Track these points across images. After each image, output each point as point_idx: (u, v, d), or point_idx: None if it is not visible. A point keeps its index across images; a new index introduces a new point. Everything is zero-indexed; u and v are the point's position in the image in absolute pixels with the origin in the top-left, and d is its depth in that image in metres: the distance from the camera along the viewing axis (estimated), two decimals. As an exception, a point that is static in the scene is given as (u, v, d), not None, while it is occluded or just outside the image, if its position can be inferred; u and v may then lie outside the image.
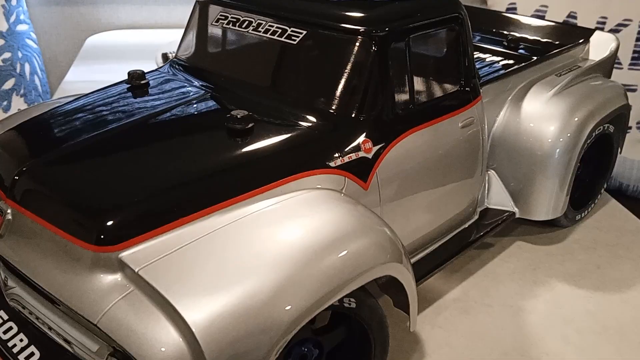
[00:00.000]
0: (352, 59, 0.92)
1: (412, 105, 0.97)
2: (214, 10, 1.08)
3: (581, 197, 1.33)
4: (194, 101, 0.97)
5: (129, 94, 1.02)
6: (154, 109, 0.94)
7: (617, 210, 1.39)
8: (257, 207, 0.80)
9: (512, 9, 2.52)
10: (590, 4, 2.41)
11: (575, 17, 2.40)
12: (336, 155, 0.89)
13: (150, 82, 1.05)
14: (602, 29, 2.41)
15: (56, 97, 1.94)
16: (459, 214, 1.12)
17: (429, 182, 1.01)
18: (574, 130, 1.18)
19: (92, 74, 2.04)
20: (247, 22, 1.02)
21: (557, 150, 1.17)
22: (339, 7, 0.96)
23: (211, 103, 0.97)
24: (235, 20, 1.04)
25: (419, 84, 0.98)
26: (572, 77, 1.27)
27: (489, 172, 1.21)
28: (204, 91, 1.00)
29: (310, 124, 0.91)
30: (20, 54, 2.30)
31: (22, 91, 2.28)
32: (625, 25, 2.37)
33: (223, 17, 1.06)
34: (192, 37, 1.12)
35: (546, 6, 2.45)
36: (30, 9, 2.46)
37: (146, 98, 1.01)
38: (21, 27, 2.35)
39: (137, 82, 1.03)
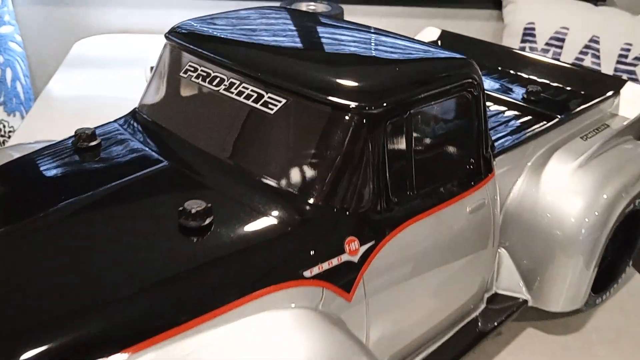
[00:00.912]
0: (338, 139, 0.74)
1: (411, 192, 0.80)
2: (185, 58, 0.91)
3: (602, 277, 1.15)
4: (147, 179, 0.79)
5: (75, 158, 0.84)
6: (99, 186, 0.77)
7: (644, 289, 1.21)
8: (202, 340, 0.62)
9: (529, 30, 2.32)
10: (615, 28, 2.21)
11: (597, 42, 2.21)
12: (313, 261, 0.71)
13: (103, 142, 0.87)
14: (625, 57, 2.22)
15: (39, 103, 1.78)
16: (464, 305, 0.95)
17: (429, 277, 0.84)
18: (603, 209, 1.00)
19: (76, 83, 1.87)
20: (218, 79, 0.84)
21: (582, 231, 0.99)
22: (328, 73, 0.78)
23: (166, 184, 0.79)
24: (205, 74, 0.86)
25: (420, 166, 0.81)
26: (601, 142, 1.08)
27: (499, 251, 1.04)
28: (161, 164, 0.82)
29: (283, 218, 0.73)
30: (1, 59, 2.13)
31: (1, 99, 2.11)
32: (651, 55, 2.18)
33: (192, 69, 0.88)
34: (158, 84, 0.94)
35: (567, 28, 2.24)
36: (17, 8, 2.28)
37: (94, 167, 0.83)
38: (5, 29, 2.17)
39: (85, 145, 0.86)
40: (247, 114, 0.80)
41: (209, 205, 0.70)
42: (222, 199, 0.75)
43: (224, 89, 0.83)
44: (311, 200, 0.74)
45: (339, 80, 0.76)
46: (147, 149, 0.86)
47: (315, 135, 0.76)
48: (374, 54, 0.85)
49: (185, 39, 0.91)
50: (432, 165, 0.83)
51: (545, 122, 1.09)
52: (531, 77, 1.29)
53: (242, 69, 0.82)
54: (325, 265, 0.72)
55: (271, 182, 0.76)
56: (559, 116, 1.11)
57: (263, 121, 0.79)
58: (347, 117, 0.74)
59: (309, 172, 0.75)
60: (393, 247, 0.77)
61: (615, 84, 1.23)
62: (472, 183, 0.88)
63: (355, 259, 0.74)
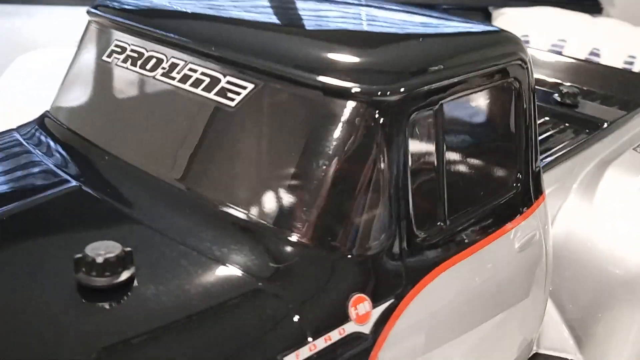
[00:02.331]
0: (335, 142, 0.47)
1: (443, 223, 0.53)
2: (111, 36, 0.63)
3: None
4: (41, 207, 0.51)
5: None
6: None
7: None
8: None
9: (524, 42, 2.12)
10: (616, 40, 2.02)
11: (598, 54, 2.01)
12: (299, 335, 0.43)
13: None
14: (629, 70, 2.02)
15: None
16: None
17: (464, 343, 0.57)
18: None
19: (8, 104, 1.58)
20: (153, 60, 0.56)
21: (652, 271, 0.73)
22: (316, 47, 0.51)
23: (68, 214, 0.51)
24: (135, 55, 0.58)
25: (454, 183, 0.54)
26: (661, 154, 0.83)
27: (541, 299, 0.77)
28: (65, 185, 0.53)
29: (249, 267, 0.45)
30: None
31: None
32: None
33: (119, 50, 0.60)
34: (75, 78, 0.66)
35: (564, 40, 2.04)
36: (-48, 18, 1.99)
37: None
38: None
39: None
40: (196, 110, 0.53)
41: (128, 249, 0.42)
42: (153, 239, 0.47)
43: (162, 74, 0.55)
44: (293, 238, 0.47)
45: (333, 56, 0.49)
46: (49, 164, 0.57)
47: (297, 137, 0.48)
48: (382, 28, 0.58)
49: (112, 12, 0.63)
50: (469, 183, 0.56)
51: (589, 131, 0.83)
52: (559, 80, 1.03)
53: (188, 43, 0.54)
54: (321, 343, 0.44)
55: (233, 212, 0.48)
56: (605, 123, 0.85)
57: (219, 119, 0.51)
58: (348, 107, 0.46)
59: (290, 195, 0.48)
60: (420, 306, 0.50)
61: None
62: (521, 209, 0.61)
63: (367, 328, 0.46)
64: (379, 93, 0.47)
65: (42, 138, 0.63)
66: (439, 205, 0.52)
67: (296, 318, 0.43)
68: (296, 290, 0.44)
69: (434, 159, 0.51)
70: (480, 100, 0.56)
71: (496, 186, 0.59)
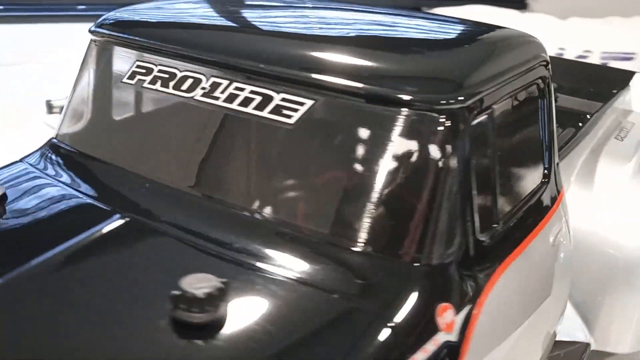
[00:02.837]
0: (407, 154, 0.47)
1: (497, 224, 0.54)
2: (125, 56, 0.60)
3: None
4: (95, 244, 0.47)
5: None
6: (8, 272, 0.44)
7: None
8: None
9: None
10: (546, 33, 2.12)
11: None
12: (399, 351, 0.43)
13: (8, 193, 0.54)
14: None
15: None
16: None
17: (520, 337, 0.58)
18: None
19: None
20: (190, 80, 0.54)
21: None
22: (371, 57, 0.50)
23: (132, 250, 0.48)
24: (166, 76, 0.56)
25: (503, 185, 0.55)
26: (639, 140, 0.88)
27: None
28: (113, 218, 0.50)
29: (339, 287, 0.44)
30: None
31: None
32: (584, 57, 2.09)
33: (143, 70, 0.57)
34: (86, 101, 0.63)
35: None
36: None
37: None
38: None
39: None
40: (248, 130, 0.51)
41: (223, 281, 0.40)
42: (234, 268, 0.45)
43: (203, 94, 0.53)
44: (373, 253, 0.46)
45: (394, 66, 0.49)
46: (82, 196, 0.54)
47: (366, 151, 0.48)
48: (419, 34, 0.58)
49: (125, 30, 0.60)
50: (514, 181, 0.58)
51: (576, 124, 0.87)
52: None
53: (231, 60, 0.52)
54: (420, 357, 0.43)
55: (307, 232, 0.47)
56: (589, 115, 0.89)
57: (277, 137, 0.50)
58: (417, 117, 0.46)
59: (366, 210, 0.47)
60: (491, 308, 0.50)
61: (624, 77, 1.04)
62: (551, 204, 0.63)
63: (454, 336, 0.46)
64: (445, 102, 0.47)
65: (63, 169, 0.59)
66: (494, 207, 0.53)
67: (394, 335, 0.42)
68: (389, 306, 0.44)
69: (489, 162, 0.52)
70: (518, 102, 0.57)
71: (532, 182, 0.61)
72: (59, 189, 0.55)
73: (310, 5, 0.63)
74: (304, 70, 0.49)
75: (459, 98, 0.47)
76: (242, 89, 0.51)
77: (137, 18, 0.62)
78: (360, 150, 0.48)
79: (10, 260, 0.45)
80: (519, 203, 0.58)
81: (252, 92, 0.51)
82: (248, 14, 0.61)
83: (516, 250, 0.55)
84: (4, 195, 0.53)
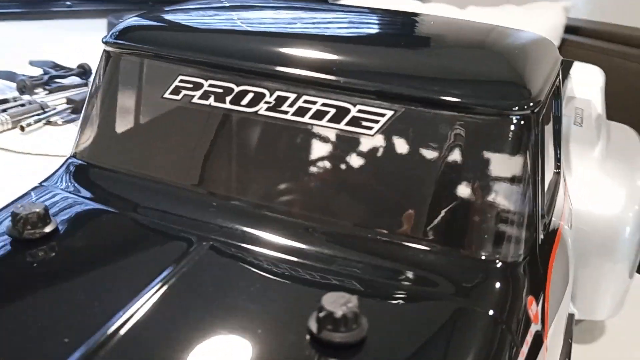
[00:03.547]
0: (491, 159, 0.49)
1: (547, 216, 0.58)
2: (164, 70, 0.57)
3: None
4: (187, 275, 0.45)
5: (26, 260, 0.47)
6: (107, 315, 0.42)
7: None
8: None
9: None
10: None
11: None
12: (514, 348, 0.45)
13: (60, 227, 0.50)
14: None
15: None
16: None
17: (558, 321, 0.63)
18: (642, 200, 0.87)
19: None
20: (250, 95, 0.53)
21: (626, 228, 0.85)
22: (440, 61, 0.52)
23: (223, 274, 0.46)
24: (219, 91, 0.54)
25: (545, 178, 0.59)
26: (596, 124, 0.97)
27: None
28: (194, 245, 0.48)
29: (456, 291, 0.46)
30: None
31: None
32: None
33: (189, 86, 0.55)
34: (122, 121, 0.59)
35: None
36: None
37: (57, 276, 0.46)
38: None
39: (36, 233, 0.48)
40: (326, 143, 0.51)
41: (356, 297, 0.40)
42: (352, 283, 0.45)
43: (268, 109, 0.52)
44: (470, 254, 0.48)
45: (469, 73, 0.51)
46: (145, 221, 0.51)
47: (453, 159, 0.50)
48: (471, 39, 0.60)
49: (157, 42, 0.57)
50: (546, 175, 0.62)
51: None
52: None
53: (298, 71, 0.51)
54: (525, 350, 0.46)
55: (404, 242, 0.48)
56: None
57: (358, 149, 0.50)
58: (498, 124, 0.49)
59: (458, 214, 0.49)
60: (551, 296, 0.55)
61: (565, 66, 1.13)
62: (563, 192, 0.68)
63: (539, 325, 0.50)
64: (520, 108, 0.50)
65: (95, 189, 0.55)
66: (543, 201, 0.57)
67: (509, 335, 0.45)
68: (497, 306, 0.46)
69: (544, 161, 0.55)
70: (550, 102, 0.61)
71: (552, 172, 0.65)
72: (112, 214, 0.52)
73: (344, 10, 0.63)
74: (379, 81, 0.49)
75: (531, 104, 0.50)
76: (313, 102, 0.51)
77: (158, 27, 0.59)
78: (447, 159, 0.50)
79: (116, 300, 0.42)
80: (551, 193, 0.62)
81: (324, 104, 0.51)
82: (281, 19, 0.60)
83: (557, 239, 0.60)
84: (56, 229, 0.49)
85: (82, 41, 1.79)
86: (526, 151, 0.49)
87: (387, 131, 0.49)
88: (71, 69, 1.60)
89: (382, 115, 0.49)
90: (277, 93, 0.52)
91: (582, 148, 0.90)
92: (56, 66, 1.60)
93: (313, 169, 0.51)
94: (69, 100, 1.45)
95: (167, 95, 0.56)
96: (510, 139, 0.49)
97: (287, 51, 0.53)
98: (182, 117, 0.55)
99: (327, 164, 0.51)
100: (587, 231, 0.84)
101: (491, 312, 0.45)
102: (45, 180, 0.58)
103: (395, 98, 0.49)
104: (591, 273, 0.87)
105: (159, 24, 0.59)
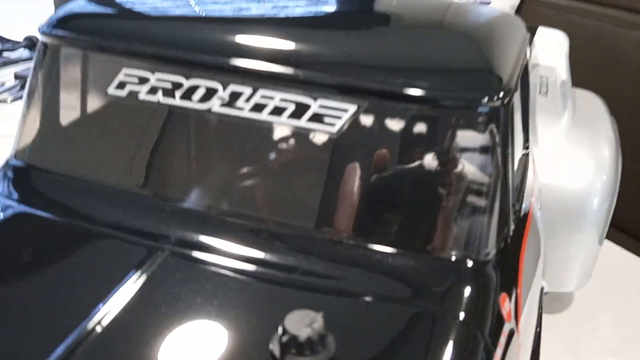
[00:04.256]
0: (464, 154, 0.46)
1: (517, 204, 0.55)
2: (107, 63, 0.52)
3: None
4: (140, 291, 0.42)
5: None
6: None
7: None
8: None
9: None
10: None
11: None
12: (488, 352, 0.43)
13: None
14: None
15: None
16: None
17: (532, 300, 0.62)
18: (611, 167, 0.86)
19: None
20: (201, 90, 0.49)
21: (594, 200, 0.84)
22: (403, 50, 0.48)
23: (183, 288, 0.43)
24: (168, 87, 0.49)
25: (515, 165, 0.57)
26: (561, 93, 0.95)
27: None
28: (151, 255, 0.45)
29: (430, 302, 0.44)
30: None
31: None
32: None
33: (134, 80, 0.51)
34: (59, 117, 0.54)
35: None
36: None
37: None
38: None
39: None
40: (285, 142, 0.47)
41: (319, 317, 0.38)
42: (315, 296, 0.42)
43: (222, 105, 0.48)
44: (441, 256, 0.46)
45: (435, 64, 0.47)
46: (92, 229, 0.47)
47: (418, 154, 0.46)
48: (433, 25, 0.56)
49: (99, 31, 0.52)
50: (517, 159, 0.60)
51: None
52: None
53: (254, 63, 0.47)
54: (499, 352, 0.45)
55: (374, 247, 0.46)
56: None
57: (320, 149, 0.47)
58: (469, 117, 0.46)
59: (431, 215, 0.46)
60: (523, 287, 0.53)
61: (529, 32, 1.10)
62: (532, 171, 0.66)
63: (512, 323, 0.48)
64: (490, 100, 0.46)
65: (47, 197, 0.51)
66: (514, 192, 0.54)
67: (482, 340, 0.43)
68: (469, 309, 0.44)
69: (511, 150, 0.53)
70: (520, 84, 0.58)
71: (520, 153, 0.63)
72: (61, 223, 0.48)
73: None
74: (341, 75, 0.46)
75: (501, 94, 0.47)
76: (270, 97, 0.47)
77: (97, 15, 0.54)
78: (413, 155, 0.47)
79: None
80: (520, 176, 0.60)
81: (283, 100, 0.47)
82: (251, 6, 0.55)
83: (528, 223, 0.58)
84: None
85: (27, 10, 1.69)
86: (495, 145, 0.47)
87: (351, 127, 0.46)
88: (18, 42, 1.51)
89: (345, 110, 0.46)
90: (232, 87, 0.48)
91: (548, 119, 0.88)
92: (1, 39, 1.51)
93: (272, 169, 0.48)
94: (17, 76, 1.38)
95: (111, 90, 0.51)
96: (479, 133, 0.46)
97: (241, 40, 0.49)
98: (128, 114, 0.51)
99: (286, 163, 0.47)
100: (555, 204, 0.83)
101: (462, 316, 0.43)
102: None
103: (358, 92, 0.46)
104: (560, 245, 0.86)
105: (103, 10, 0.54)
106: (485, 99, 0.45)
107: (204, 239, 0.46)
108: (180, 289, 0.42)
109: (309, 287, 0.43)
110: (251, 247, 0.45)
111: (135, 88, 0.50)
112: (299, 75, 0.46)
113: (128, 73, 0.51)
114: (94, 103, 0.52)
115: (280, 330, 0.36)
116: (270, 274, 0.44)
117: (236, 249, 0.45)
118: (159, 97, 0.50)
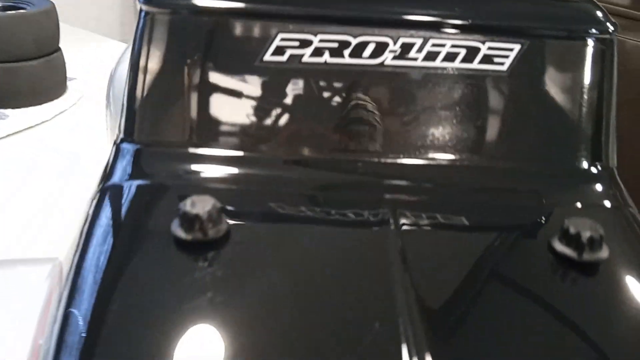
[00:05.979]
0: (606, 82, 0.53)
1: None
2: (252, 31, 0.50)
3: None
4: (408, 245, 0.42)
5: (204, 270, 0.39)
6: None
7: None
8: None
9: None
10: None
11: None
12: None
13: (233, 232, 0.42)
14: None
15: None
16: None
17: None
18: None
19: None
20: (372, 45, 0.49)
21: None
22: None
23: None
24: (334, 46, 0.49)
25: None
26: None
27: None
28: (379, 217, 0.45)
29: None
30: None
31: None
32: None
33: (294, 44, 0.49)
34: (207, 95, 0.50)
35: None
36: None
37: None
38: None
39: (197, 236, 0.40)
40: (464, 84, 0.50)
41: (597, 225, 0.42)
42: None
43: (394, 57, 0.50)
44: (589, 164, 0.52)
45: (565, 3, 0.54)
46: (292, 187, 0.46)
47: (574, 86, 0.53)
48: None
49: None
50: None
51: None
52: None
53: (426, 16, 0.49)
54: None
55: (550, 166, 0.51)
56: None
57: (495, 86, 0.51)
58: (604, 47, 0.53)
59: (587, 140, 0.53)
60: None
61: None
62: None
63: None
64: (614, 30, 0.54)
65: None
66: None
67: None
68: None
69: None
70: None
71: None
72: (280, 203, 0.46)
73: None
74: (505, 18, 0.51)
75: (612, 24, 0.54)
76: (442, 45, 0.50)
77: None
78: (572, 87, 0.53)
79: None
80: None
81: (454, 46, 0.50)
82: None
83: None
84: (228, 233, 0.41)
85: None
86: (613, 72, 0.55)
87: (517, 63, 0.51)
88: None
89: (509, 50, 0.51)
90: (402, 40, 0.50)
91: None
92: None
93: (456, 112, 0.51)
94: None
95: (267, 57, 0.50)
96: (610, 60, 0.53)
97: None
98: (292, 79, 0.50)
99: (468, 104, 0.51)
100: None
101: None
102: (107, 180, 0.48)
103: (513, 31, 0.50)
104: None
105: None
106: (609, 30, 0.53)
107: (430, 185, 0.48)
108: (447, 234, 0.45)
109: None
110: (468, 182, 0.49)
111: (296, 52, 0.49)
112: (467, 21, 0.49)
113: (285, 37, 0.49)
114: (246, 73, 0.50)
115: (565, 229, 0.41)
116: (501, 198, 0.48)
117: (459, 185, 0.49)
118: (326, 57, 0.49)
